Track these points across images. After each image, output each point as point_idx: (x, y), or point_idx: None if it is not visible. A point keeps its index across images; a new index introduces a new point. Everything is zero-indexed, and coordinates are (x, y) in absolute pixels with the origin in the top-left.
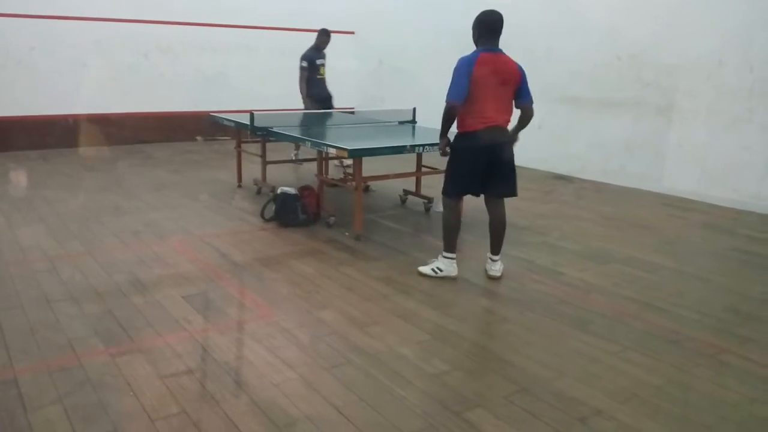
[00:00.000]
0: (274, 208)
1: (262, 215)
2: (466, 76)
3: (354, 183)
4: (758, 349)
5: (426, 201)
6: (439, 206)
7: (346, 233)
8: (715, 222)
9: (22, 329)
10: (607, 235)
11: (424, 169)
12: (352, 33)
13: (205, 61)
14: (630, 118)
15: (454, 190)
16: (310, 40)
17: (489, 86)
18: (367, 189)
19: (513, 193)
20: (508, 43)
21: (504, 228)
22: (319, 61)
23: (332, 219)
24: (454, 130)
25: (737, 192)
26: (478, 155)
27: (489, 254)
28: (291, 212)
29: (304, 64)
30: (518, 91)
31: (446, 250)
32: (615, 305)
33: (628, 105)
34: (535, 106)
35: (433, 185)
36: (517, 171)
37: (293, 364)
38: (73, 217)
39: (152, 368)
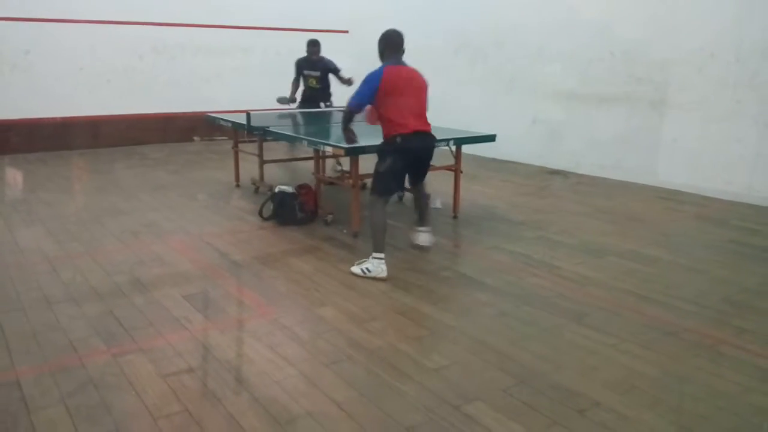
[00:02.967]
0: (272, 206)
1: (260, 214)
2: (371, 87)
3: (351, 181)
4: (755, 340)
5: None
6: (436, 203)
7: (344, 231)
8: (709, 214)
9: (24, 331)
10: (603, 229)
11: None
12: (346, 32)
13: (201, 62)
14: (623, 112)
15: (384, 189)
16: (304, 39)
17: (400, 94)
18: (364, 187)
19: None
20: (501, 40)
21: (426, 201)
22: (306, 72)
23: (330, 217)
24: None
25: (730, 184)
26: (406, 157)
27: (417, 227)
28: (289, 211)
29: (295, 69)
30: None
31: (376, 251)
32: (612, 298)
33: (621, 100)
34: (528, 102)
35: (429, 182)
36: (513, 166)
37: (293, 361)
38: (73, 219)
39: (154, 367)
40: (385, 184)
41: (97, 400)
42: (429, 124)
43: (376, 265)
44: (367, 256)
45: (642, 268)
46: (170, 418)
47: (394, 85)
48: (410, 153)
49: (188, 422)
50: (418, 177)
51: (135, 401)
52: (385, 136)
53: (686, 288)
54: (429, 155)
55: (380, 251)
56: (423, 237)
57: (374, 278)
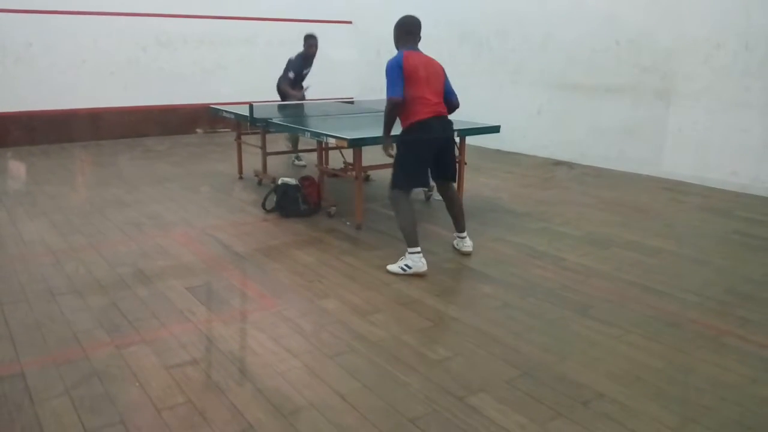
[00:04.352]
0: (275, 198)
1: (263, 206)
2: (399, 74)
3: (354, 173)
4: (759, 331)
5: (426, 189)
6: (438, 195)
7: (347, 223)
8: (714, 205)
9: (28, 323)
10: (608, 220)
11: None
12: (350, 23)
13: (204, 54)
14: (629, 102)
15: (408, 183)
16: (307, 30)
17: (422, 78)
18: (367, 178)
19: (455, 177)
20: (505, 29)
21: (461, 207)
22: (305, 71)
23: (333, 209)
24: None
25: (736, 174)
26: (429, 144)
27: (456, 233)
28: (292, 203)
29: (291, 75)
30: (446, 86)
31: (410, 246)
32: (616, 289)
33: (626, 90)
34: (532, 93)
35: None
36: (517, 158)
37: (297, 353)
38: (76, 211)
39: (157, 359)
40: (406, 176)
41: (101, 391)
42: (446, 109)
43: (415, 261)
44: (370, 248)
45: (646, 259)
46: (174, 409)
47: (414, 71)
48: (431, 140)
49: (192, 413)
50: (445, 171)
51: (139, 393)
52: (403, 125)
53: (690, 279)
54: (449, 142)
55: (414, 246)
56: (467, 242)
57: (416, 274)
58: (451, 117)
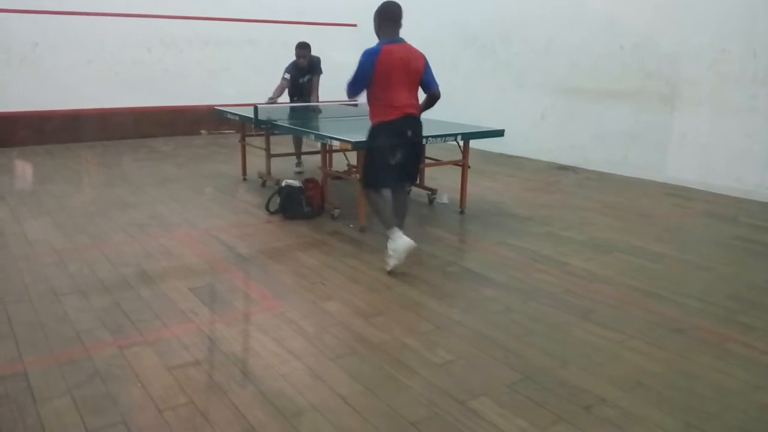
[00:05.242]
0: (278, 200)
1: (267, 208)
2: (368, 72)
3: (358, 175)
4: (762, 337)
5: (429, 192)
6: (443, 198)
7: (351, 225)
8: (718, 211)
9: (31, 323)
10: (611, 225)
11: (427, 161)
12: (355, 26)
13: (209, 55)
14: (632, 107)
15: (376, 182)
16: (312, 33)
17: (396, 76)
18: None
19: (415, 179)
20: (509, 34)
21: (407, 209)
22: (301, 79)
23: (337, 211)
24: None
25: (740, 181)
26: (396, 145)
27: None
28: (296, 205)
29: (287, 76)
30: (424, 78)
31: (388, 228)
32: (619, 294)
33: (630, 95)
34: (536, 97)
35: (437, 177)
36: (521, 162)
37: (299, 355)
38: (80, 211)
39: (160, 360)
40: (373, 174)
41: (104, 391)
42: (417, 109)
43: (395, 239)
44: (373, 251)
45: (649, 264)
46: (176, 410)
47: (389, 69)
48: (398, 139)
49: (194, 414)
50: (407, 173)
51: (141, 393)
52: (372, 122)
53: (693, 285)
54: (416, 144)
55: (392, 226)
56: (406, 240)
57: (406, 251)
58: (454, 120)
